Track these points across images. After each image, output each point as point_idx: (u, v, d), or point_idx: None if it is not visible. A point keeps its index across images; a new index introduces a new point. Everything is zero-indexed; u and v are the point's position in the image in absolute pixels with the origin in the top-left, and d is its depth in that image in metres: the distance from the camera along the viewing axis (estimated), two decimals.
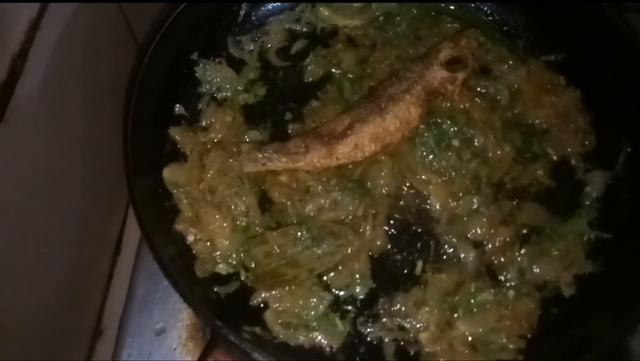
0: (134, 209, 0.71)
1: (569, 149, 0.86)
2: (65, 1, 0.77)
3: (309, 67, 0.94)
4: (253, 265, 0.77)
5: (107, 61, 0.90)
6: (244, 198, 0.80)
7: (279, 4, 1.01)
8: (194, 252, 0.78)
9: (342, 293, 0.77)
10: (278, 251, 0.76)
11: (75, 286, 0.84)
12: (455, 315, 0.74)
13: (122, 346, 0.81)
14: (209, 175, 0.81)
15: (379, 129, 0.83)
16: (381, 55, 0.93)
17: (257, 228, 0.80)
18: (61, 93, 0.77)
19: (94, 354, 0.88)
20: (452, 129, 0.84)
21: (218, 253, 0.78)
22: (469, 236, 0.80)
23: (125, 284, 0.88)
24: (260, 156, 0.81)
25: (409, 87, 0.85)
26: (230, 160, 0.82)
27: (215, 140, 0.87)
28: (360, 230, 0.79)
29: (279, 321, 0.73)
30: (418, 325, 0.75)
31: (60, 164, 0.79)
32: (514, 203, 0.82)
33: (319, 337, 0.73)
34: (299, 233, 0.77)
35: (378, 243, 0.80)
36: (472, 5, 0.99)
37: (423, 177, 0.83)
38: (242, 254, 0.78)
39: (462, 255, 0.79)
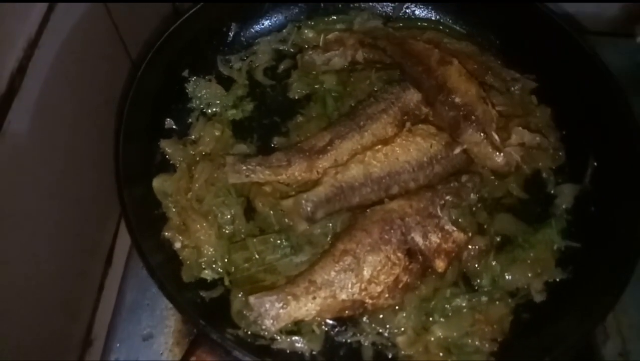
0: (123, 216, 0.75)
1: (540, 164, 0.91)
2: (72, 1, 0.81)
3: (293, 85, 0.99)
4: (233, 270, 0.80)
5: (101, 77, 0.94)
6: (230, 207, 0.84)
7: (267, 25, 1.06)
8: (180, 258, 0.82)
9: None
10: (257, 257, 0.80)
11: (67, 295, 0.86)
12: (431, 320, 0.78)
13: (110, 351, 0.83)
14: (197, 185, 0.85)
15: (357, 145, 0.87)
16: (361, 75, 0.98)
17: (242, 236, 0.83)
18: (57, 107, 0.80)
19: None
20: None
21: (204, 259, 0.81)
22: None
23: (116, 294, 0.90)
24: (244, 168, 0.85)
25: (386, 108, 0.90)
26: (217, 171, 0.86)
27: (204, 153, 0.91)
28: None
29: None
30: (395, 330, 0.78)
31: (55, 176, 0.82)
32: (489, 213, 0.86)
33: (299, 341, 0.76)
34: (279, 241, 0.81)
35: None
36: (447, 30, 1.05)
37: None
38: (225, 260, 0.81)
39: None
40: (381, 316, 0.78)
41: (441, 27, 1.06)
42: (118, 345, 0.84)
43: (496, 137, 0.86)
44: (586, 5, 1.12)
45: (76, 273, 0.89)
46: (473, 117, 0.87)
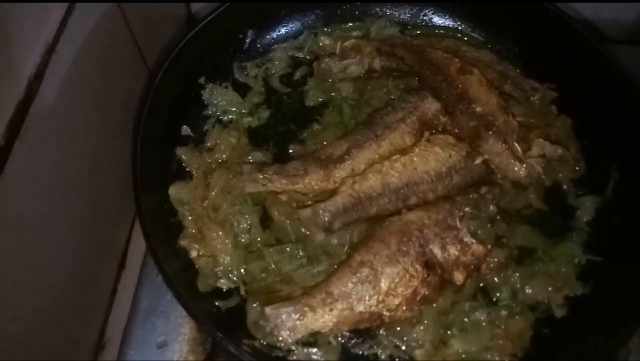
0: (140, 224, 0.74)
1: (560, 175, 0.89)
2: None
3: (310, 92, 0.98)
4: (249, 280, 0.80)
5: (118, 83, 0.93)
6: (246, 216, 0.83)
7: (284, 32, 1.06)
8: (196, 267, 0.81)
9: None
10: (274, 267, 0.79)
11: (79, 299, 0.86)
12: (450, 333, 0.77)
13: (124, 358, 0.83)
14: (213, 193, 0.85)
15: (374, 155, 0.86)
16: (378, 83, 0.97)
17: (259, 245, 0.82)
18: (73, 113, 0.80)
19: None
20: None
21: (220, 268, 0.81)
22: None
23: (129, 299, 0.90)
24: (260, 177, 0.84)
25: (404, 117, 0.89)
26: (234, 180, 0.85)
27: (220, 160, 0.90)
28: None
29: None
30: (413, 343, 0.77)
31: (70, 180, 0.81)
32: (508, 225, 0.84)
33: (316, 353, 0.75)
34: (295, 251, 0.80)
35: None
36: (465, 38, 1.04)
37: None
38: (242, 270, 0.80)
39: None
40: (398, 328, 0.77)
41: (459, 34, 1.05)
42: (132, 352, 0.83)
43: (518, 147, 0.85)
44: (605, 11, 1.10)
45: (89, 275, 0.89)
46: (494, 127, 0.86)
